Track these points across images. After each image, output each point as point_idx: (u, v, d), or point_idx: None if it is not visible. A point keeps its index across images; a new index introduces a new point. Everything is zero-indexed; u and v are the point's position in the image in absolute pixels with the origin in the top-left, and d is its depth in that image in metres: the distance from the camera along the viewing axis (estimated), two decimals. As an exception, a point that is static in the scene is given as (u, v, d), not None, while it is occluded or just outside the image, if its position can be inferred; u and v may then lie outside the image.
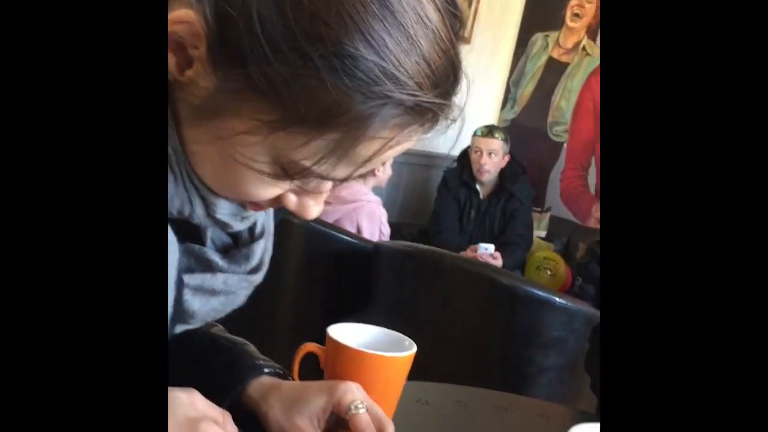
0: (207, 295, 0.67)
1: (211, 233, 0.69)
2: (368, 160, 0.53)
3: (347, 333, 0.79)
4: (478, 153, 3.10)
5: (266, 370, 0.72)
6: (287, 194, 0.59)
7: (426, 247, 2.19)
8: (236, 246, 0.70)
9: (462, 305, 2.05)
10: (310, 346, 0.78)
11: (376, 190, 2.88)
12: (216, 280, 0.67)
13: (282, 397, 0.68)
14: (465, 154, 3.22)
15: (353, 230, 2.66)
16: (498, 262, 2.92)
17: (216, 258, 0.67)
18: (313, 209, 0.60)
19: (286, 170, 0.54)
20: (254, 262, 0.71)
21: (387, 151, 0.53)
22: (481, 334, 2.03)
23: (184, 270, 0.66)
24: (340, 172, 0.54)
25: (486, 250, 2.91)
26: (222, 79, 0.51)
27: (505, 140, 3.13)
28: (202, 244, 0.68)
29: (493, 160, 3.11)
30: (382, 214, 2.82)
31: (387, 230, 2.84)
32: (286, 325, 2.39)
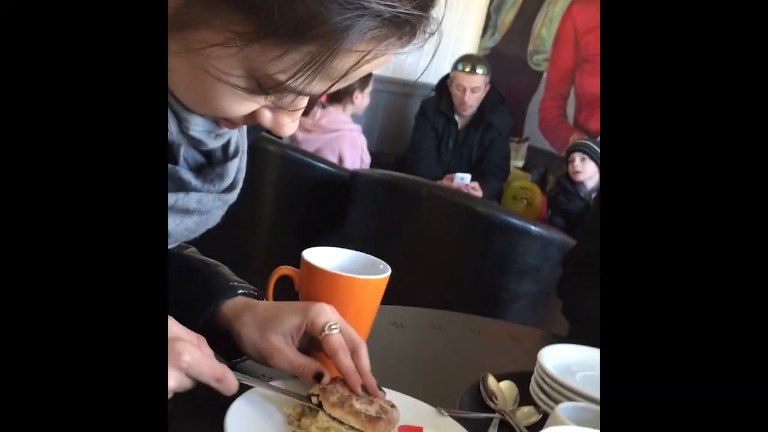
0: (181, 215, 0.66)
1: (184, 152, 0.67)
2: (345, 74, 0.52)
3: (322, 256, 0.79)
4: (461, 89, 3.06)
5: (240, 291, 0.72)
6: (262, 110, 0.57)
7: (403, 175, 2.19)
8: (210, 165, 0.69)
9: (439, 233, 2.06)
10: (285, 269, 0.78)
11: (354, 119, 2.86)
12: (190, 199, 0.65)
13: (256, 316, 0.68)
14: (443, 83, 3.18)
15: (335, 158, 2.64)
16: (477, 192, 2.93)
17: (189, 177, 0.66)
18: (289, 126, 0.59)
19: (260, 84, 0.53)
20: (228, 180, 0.70)
21: (364, 65, 0.52)
22: (457, 262, 2.06)
23: None
24: (316, 86, 0.53)
25: (462, 180, 2.91)
26: None
27: (486, 73, 3.09)
28: (175, 163, 0.67)
29: (475, 95, 3.08)
30: (363, 142, 2.81)
31: (367, 158, 2.83)
32: (263, 253, 2.39)
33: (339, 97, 2.72)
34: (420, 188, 2.06)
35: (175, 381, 0.57)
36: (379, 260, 0.81)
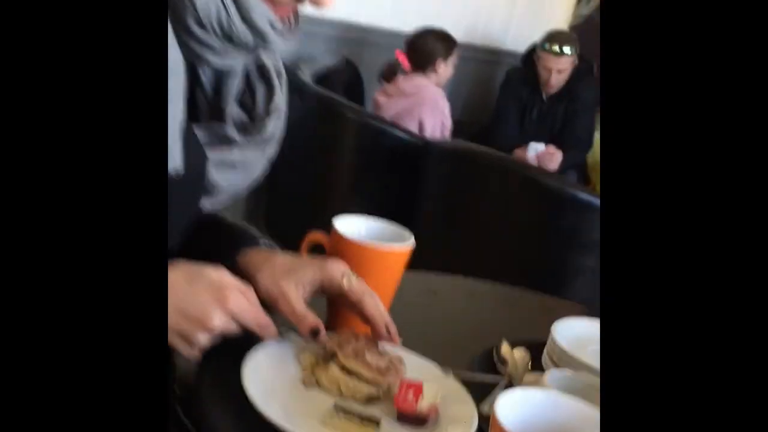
0: (227, 169, 0.76)
1: (231, 110, 0.77)
2: None
3: (353, 225, 0.87)
4: (547, 70, 3.00)
5: (262, 242, 0.80)
6: None
7: (475, 146, 2.22)
8: (252, 121, 0.78)
9: (507, 204, 2.09)
10: (317, 235, 0.86)
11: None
12: (234, 154, 0.76)
13: (274, 266, 0.75)
14: (530, 55, 3.14)
15: (414, 123, 2.68)
16: (557, 155, 2.92)
17: (233, 134, 0.76)
18: None
19: None
20: (266, 134, 0.79)
21: None
22: (524, 234, 2.09)
23: (207, 145, 0.75)
24: None
25: (536, 150, 2.91)
26: None
27: (574, 53, 2.99)
28: (223, 121, 0.76)
29: (561, 75, 3.02)
30: (445, 106, 2.81)
31: (449, 123, 2.83)
32: (337, 210, 2.50)
33: (422, 66, 2.76)
34: (491, 159, 2.09)
35: (220, 321, 0.66)
36: (405, 230, 0.88)
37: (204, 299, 0.66)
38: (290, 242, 2.90)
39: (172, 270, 0.67)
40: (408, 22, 3.12)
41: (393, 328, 0.76)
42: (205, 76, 0.77)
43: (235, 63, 0.74)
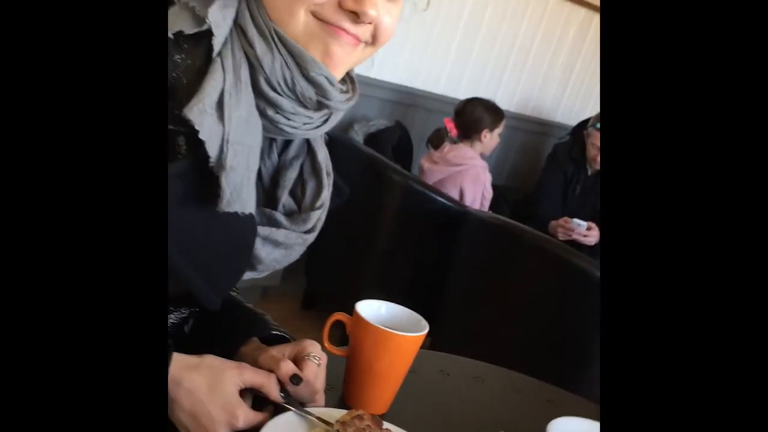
0: (271, 246, 0.85)
1: (284, 200, 0.86)
2: None
3: (373, 308, 0.95)
4: (595, 148, 3.06)
5: (274, 330, 0.90)
6: None
7: (511, 222, 2.29)
8: (299, 212, 0.88)
9: (536, 280, 2.15)
10: (339, 315, 0.94)
11: (484, 156, 2.97)
12: (279, 234, 0.85)
13: (262, 350, 0.86)
14: (579, 128, 3.21)
15: (456, 191, 2.78)
16: (591, 238, 2.97)
17: (282, 219, 0.86)
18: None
19: None
20: (309, 225, 0.88)
21: None
22: (550, 312, 2.13)
23: (257, 224, 0.84)
24: None
25: (579, 226, 2.96)
26: None
27: None
28: (275, 209, 0.86)
29: None
30: (487, 179, 2.91)
31: (489, 194, 2.94)
32: (375, 271, 2.59)
33: (468, 134, 2.86)
34: (523, 235, 2.15)
35: None
36: (421, 318, 0.96)
37: (217, 415, 0.74)
38: (326, 296, 3.04)
39: (199, 370, 0.75)
40: (462, 91, 3.23)
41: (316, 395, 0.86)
42: (265, 168, 0.87)
43: (302, 132, 0.82)
